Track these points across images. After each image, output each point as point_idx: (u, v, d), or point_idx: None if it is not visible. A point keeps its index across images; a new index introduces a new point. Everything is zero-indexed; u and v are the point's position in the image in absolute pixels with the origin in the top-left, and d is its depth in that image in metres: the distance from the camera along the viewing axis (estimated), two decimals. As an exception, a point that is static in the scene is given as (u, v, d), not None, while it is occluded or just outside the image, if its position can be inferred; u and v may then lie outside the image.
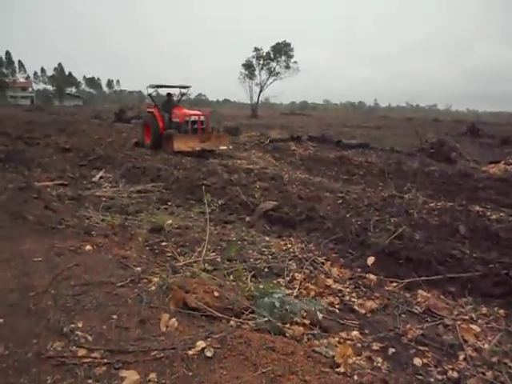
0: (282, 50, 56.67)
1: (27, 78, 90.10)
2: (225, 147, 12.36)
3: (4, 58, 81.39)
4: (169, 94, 14.05)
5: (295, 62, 57.20)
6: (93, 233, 4.54)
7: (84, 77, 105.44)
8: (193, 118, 12.44)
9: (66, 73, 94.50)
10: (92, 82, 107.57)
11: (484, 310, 3.41)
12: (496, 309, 3.44)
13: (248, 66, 58.53)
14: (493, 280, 3.87)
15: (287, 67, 57.36)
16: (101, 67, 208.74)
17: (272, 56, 57.25)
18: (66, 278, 3.06)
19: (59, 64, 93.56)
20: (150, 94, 14.20)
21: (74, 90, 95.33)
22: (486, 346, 2.77)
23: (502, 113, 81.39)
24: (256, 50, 57.56)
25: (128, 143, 14.01)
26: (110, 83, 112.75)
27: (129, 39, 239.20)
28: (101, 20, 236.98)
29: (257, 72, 58.69)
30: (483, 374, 2.45)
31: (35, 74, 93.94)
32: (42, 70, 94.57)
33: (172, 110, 13.09)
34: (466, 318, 3.23)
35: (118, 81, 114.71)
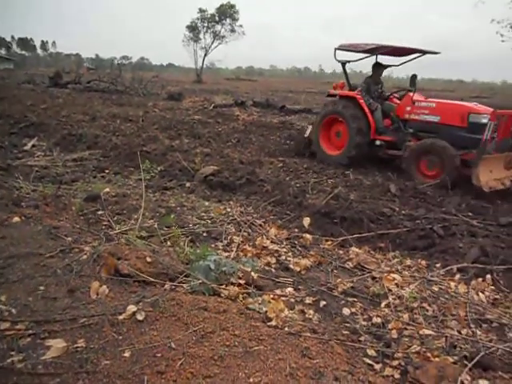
0: (226, 13, 54.83)
1: None
2: None
3: None
4: (378, 66, 7.50)
5: (240, 26, 55.85)
6: (22, 204, 4.30)
7: (12, 37, 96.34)
8: (483, 119, 5.92)
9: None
10: (24, 43, 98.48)
11: (408, 262, 3.68)
12: (419, 260, 3.72)
13: (193, 28, 56.30)
14: (418, 234, 4.17)
15: (232, 30, 55.86)
16: (35, 28, 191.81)
17: (217, 18, 55.34)
18: (-10, 252, 2.90)
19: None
20: (343, 64, 7.58)
21: (3, 51, 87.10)
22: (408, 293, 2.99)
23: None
24: (201, 11, 55.36)
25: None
26: (44, 45, 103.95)
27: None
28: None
29: (201, 35, 56.75)
30: (402, 317, 2.66)
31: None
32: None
33: (404, 98, 6.96)
34: (392, 270, 3.46)
35: (53, 42, 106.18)
